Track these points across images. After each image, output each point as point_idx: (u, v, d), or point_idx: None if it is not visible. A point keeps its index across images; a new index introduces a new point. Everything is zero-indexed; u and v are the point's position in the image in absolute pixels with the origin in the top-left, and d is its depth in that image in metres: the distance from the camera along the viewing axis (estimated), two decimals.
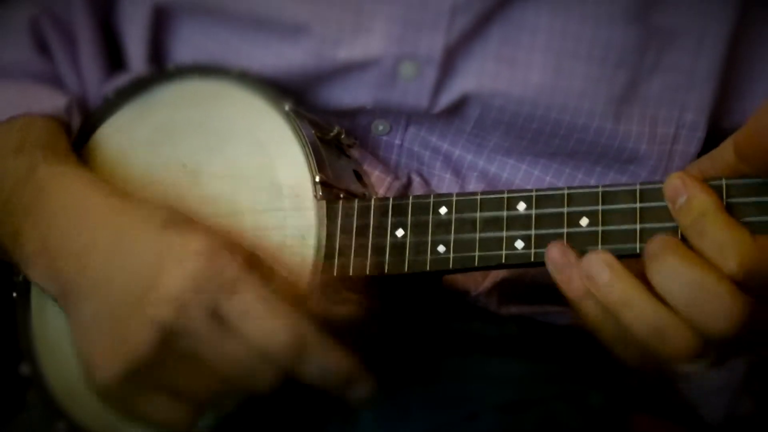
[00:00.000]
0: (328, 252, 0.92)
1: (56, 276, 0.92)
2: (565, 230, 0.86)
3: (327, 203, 0.93)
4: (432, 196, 0.91)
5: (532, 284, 1.04)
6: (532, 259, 0.87)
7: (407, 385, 1.03)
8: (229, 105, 0.99)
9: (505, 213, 0.88)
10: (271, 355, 0.85)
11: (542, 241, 0.86)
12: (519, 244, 0.87)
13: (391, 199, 0.92)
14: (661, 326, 0.79)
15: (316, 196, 0.93)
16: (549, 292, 1.03)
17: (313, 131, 0.96)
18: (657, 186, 0.83)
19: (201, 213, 0.94)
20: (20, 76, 1.09)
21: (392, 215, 0.91)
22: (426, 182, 1.06)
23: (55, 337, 1.00)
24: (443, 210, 0.90)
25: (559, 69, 0.98)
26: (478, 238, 0.88)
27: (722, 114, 1.03)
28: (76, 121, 1.06)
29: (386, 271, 0.91)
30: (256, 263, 0.88)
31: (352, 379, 0.88)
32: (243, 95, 0.98)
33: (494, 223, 0.88)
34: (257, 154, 0.96)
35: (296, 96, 1.00)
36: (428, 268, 0.90)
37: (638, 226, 0.83)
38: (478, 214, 0.89)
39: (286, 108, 0.96)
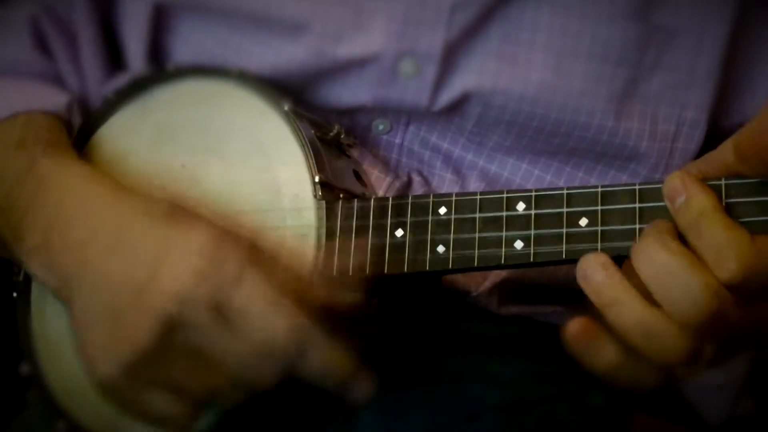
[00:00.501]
0: (327, 252, 0.92)
1: (57, 269, 0.91)
2: (564, 230, 0.86)
3: (326, 203, 0.93)
4: (431, 196, 0.91)
5: (533, 285, 1.04)
6: (532, 260, 0.87)
7: (407, 384, 1.04)
8: (229, 105, 0.99)
9: (504, 213, 0.88)
10: (273, 350, 0.85)
11: (542, 241, 0.86)
12: (518, 244, 0.87)
13: (390, 199, 0.92)
14: (649, 326, 0.79)
15: (315, 196, 0.93)
16: (549, 292, 1.04)
17: (312, 131, 0.96)
18: (656, 186, 0.83)
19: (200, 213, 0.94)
20: (21, 74, 1.09)
21: (392, 215, 0.91)
22: (426, 181, 1.06)
23: (55, 336, 1.00)
24: (443, 210, 0.90)
25: (559, 67, 0.98)
26: (477, 238, 0.88)
27: (722, 112, 1.03)
28: (76, 119, 1.06)
29: (386, 270, 0.91)
30: (257, 257, 0.87)
31: (353, 377, 0.88)
32: (242, 95, 0.98)
33: (494, 223, 0.88)
34: (257, 154, 0.96)
35: (296, 94, 1.00)
36: (428, 268, 0.90)
37: (637, 226, 0.83)
38: (477, 215, 0.89)
39: (286, 108, 0.96)
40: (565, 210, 0.86)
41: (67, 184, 0.95)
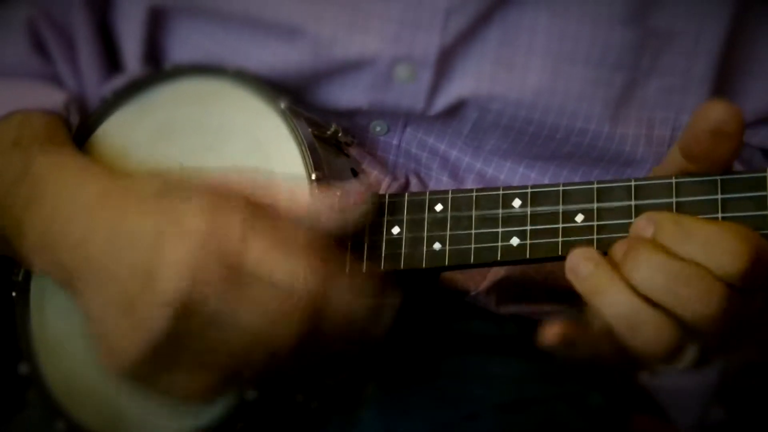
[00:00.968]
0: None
1: (60, 266, 0.91)
2: (560, 226, 0.86)
3: None
4: (428, 193, 0.91)
5: (531, 284, 1.04)
6: (528, 256, 0.87)
7: (407, 384, 1.04)
8: (226, 104, 0.99)
9: (500, 210, 0.88)
10: (297, 298, 0.82)
11: (538, 237, 0.86)
12: (515, 240, 0.87)
13: (387, 196, 0.92)
14: (634, 316, 0.79)
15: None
16: (547, 291, 1.04)
17: (310, 129, 0.96)
18: (651, 182, 0.84)
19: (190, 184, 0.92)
20: (18, 75, 1.09)
21: (388, 212, 0.91)
22: (423, 183, 1.06)
23: (55, 336, 1.00)
24: (439, 207, 0.90)
25: (556, 72, 0.98)
26: (473, 235, 0.88)
27: None
28: (74, 119, 1.06)
29: (382, 268, 0.91)
30: (256, 211, 0.86)
31: (380, 301, 0.86)
32: (240, 94, 0.98)
33: (490, 220, 0.88)
34: (254, 153, 0.96)
35: (294, 96, 1.00)
36: (424, 265, 0.90)
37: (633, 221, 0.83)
38: (473, 212, 0.89)
39: (283, 106, 0.96)
40: (561, 207, 0.86)
41: (64, 180, 0.94)
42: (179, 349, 0.84)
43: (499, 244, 0.87)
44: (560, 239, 0.86)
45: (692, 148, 0.80)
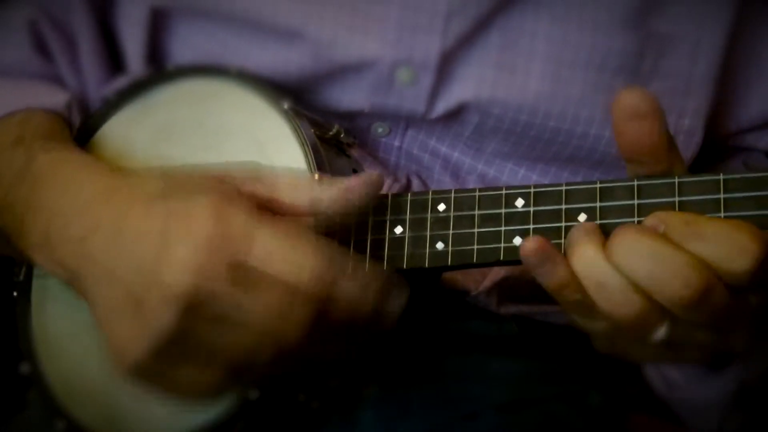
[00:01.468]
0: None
1: (64, 264, 0.90)
2: (563, 225, 0.86)
3: None
4: (430, 192, 0.91)
5: (532, 284, 1.04)
6: None
7: (407, 384, 1.04)
8: (228, 104, 0.99)
9: (503, 210, 0.88)
10: (306, 288, 0.82)
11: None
12: (517, 240, 0.87)
13: (389, 196, 0.92)
14: (600, 275, 0.80)
15: None
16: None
17: (312, 130, 0.96)
18: (654, 182, 0.84)
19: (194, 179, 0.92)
20: (20, 76, 1.09)
21: (391, 212, 0.92)
22: (425, 184, 1.06)
23: (55, 336, 1.00)
24: (442, 207, 0.90)
25: (558, 76, 0.98)
26: (476, 234, 0.88)
27: (719, 119, 1.03)
28: (75, 118, 1.06)
29: (384, 267, 0.91)
30: (260, 201, 0.86)
31: (389, 288, 0.86)
32: (242, 94, 0.98)
33: (492, 220, 0.88)
34: (256, 153, 0.96)
35: (295, 97, 1.00)
36: (427, 265, 0.90)
37: (636, 221, 0.84)
38: (476, 211, 0.89)
39: (285, 106, 0.96)
40: (563, 206, 0.86)
41: (65, 179, 0.94)
42: (187, 346, 0.83)
43: (502, 244, 0.88)
44: (563, 239, 0.86)
45: (623, 146, 0.81)
